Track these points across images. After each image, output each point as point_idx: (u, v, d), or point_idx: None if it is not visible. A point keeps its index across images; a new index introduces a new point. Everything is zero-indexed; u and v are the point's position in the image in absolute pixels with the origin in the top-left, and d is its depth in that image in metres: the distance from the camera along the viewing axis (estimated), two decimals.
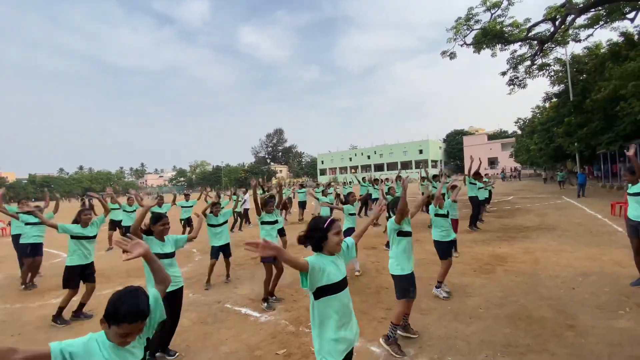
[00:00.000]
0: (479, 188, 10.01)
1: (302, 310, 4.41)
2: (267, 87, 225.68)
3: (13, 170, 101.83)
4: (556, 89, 27.24)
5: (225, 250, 5.81)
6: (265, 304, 4.57)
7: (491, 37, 17.13)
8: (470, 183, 9.41)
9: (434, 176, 11.58)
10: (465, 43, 17.44)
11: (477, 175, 9.68)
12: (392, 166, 72.01)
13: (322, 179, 69.96)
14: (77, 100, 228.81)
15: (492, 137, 71.65)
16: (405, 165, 70.11)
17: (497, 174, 49.14)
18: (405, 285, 3.33)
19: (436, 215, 4.83)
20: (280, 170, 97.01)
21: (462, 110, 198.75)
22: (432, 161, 70.30)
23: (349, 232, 5.81)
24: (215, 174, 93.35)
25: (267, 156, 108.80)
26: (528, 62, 19.54)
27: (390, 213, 3.51)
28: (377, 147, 78.83)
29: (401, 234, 3.41)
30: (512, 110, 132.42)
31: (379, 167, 74.79)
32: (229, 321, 4.24)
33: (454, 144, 73.98)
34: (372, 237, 9.27)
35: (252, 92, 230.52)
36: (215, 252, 5.70)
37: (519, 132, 46.85)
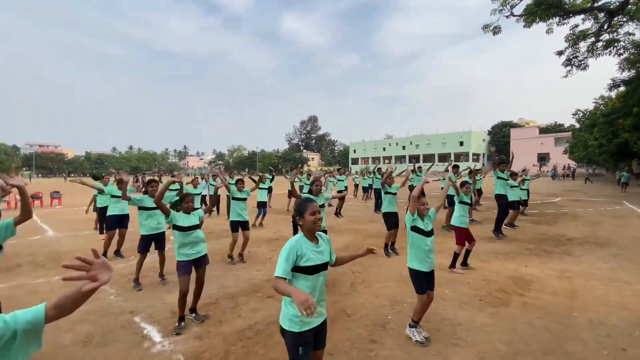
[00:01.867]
0: (512, 187, 8.22)
1: (218, 340, 3.24)
2: (305, 73, 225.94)
3: (72, 147, 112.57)
4: (625, 74, 23.14)
5: (158, 240, 4.75)
6: (177, 325, 3.46)
7: (546, 7, 14.23)
8: (498, 178, 7.62)
9: (455, 166, 9.87)
10: (512, 14, 14.67)
11: (502, 169, 7.84)
12: (428, 158, 67.91)
13: (355, 168, 67.97)
14: (130, 83, 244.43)
15: (544, 130, 64.92)
16: (444, 157, 65.82)
17: (547, 171, 44.18)
18: (297, 347, 1.93)
19: (413, 229, 3.22)
20: (312, 158, 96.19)
21: (513, 101, 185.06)
22: (474, 154, 65.21)
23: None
24: (251, 158, 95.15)
25: (300, 143, 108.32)
26: (592, 39, 16.26)
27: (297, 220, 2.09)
28: (412, 137, 74.69)
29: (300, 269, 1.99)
30: (572, 103, 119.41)
31: (414, 159, 71.14)
32: (117, 345, 3.17)
33: (500, 136, 67.95)
34: (374, 237, 7.87)
35: (290, 79, 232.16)
36: (146, 243, 4.63)
37: (577, 125, 41.54)
